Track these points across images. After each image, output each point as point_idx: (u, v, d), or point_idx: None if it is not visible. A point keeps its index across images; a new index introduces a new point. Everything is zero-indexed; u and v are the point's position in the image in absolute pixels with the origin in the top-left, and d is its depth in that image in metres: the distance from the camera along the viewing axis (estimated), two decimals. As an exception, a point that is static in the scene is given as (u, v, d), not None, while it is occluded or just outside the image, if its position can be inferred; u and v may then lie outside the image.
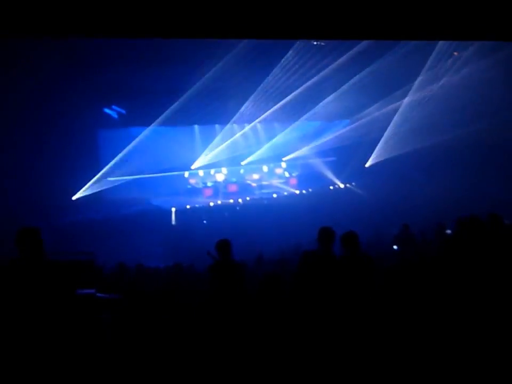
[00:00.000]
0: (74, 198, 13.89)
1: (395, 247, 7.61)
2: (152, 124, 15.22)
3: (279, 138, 17.53)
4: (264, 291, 3.66)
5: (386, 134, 16.40)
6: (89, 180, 14.20)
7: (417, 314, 3.71)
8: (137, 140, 15.24)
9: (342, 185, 17.22)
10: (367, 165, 17.28)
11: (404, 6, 3.46)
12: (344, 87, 15.03)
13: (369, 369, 3.20)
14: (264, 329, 3.45)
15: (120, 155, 14.86)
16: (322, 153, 17.92)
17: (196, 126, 16.72)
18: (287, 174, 18.13)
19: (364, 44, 12.43)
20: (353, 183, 17.07)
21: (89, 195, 14.13)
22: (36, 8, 2.60)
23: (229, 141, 16.47)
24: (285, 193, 16.51)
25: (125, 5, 2.74)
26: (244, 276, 4.35)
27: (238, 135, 16.69)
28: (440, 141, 14.70)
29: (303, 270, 3.97)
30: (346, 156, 17.26)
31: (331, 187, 17.19)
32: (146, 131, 15.38)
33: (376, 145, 16.82)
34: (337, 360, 3.30)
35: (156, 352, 3.53)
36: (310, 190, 16.80)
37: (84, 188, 14.06)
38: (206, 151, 16.48)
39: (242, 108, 15.82)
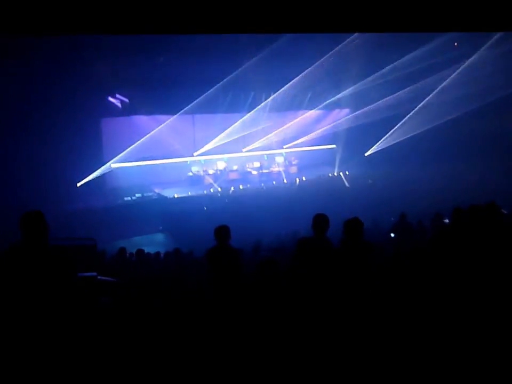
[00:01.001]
0: (79, 184, 14.00)
1: (392, 234, 7.67)
2: (155, 113, 15.27)
3: (280, 127, 17.55)
4: (260, 275, 3.71)
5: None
6: (94, 167, 14.32)
7: (413, 302, 3.75)
8: (140, 128, 15.30)
9: (341, 173, 17.22)
10: (367, 153, 17.30)
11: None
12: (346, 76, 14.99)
13: (365, 355, 3.24)
14: (261, 314, 3.51)
15: (123, 143, 14.93)
16: (322, 140, 17.94)
17: (198, 115, 16.73)
18: (287, 162, 18.17)
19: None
20: (347, 172, 17.04)
21: (93, 182, 14.23)
22: (34, 6, 2.62)
23: (229, 129, 16.48)
24: (285, 181, 16.53)
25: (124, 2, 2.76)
26: (240, 261, 4.39)
27: (238, 122, 16.70)
28: (440, 129, 14.71)
29: (298, 257, 4.02)
30: (346, 144, 17.26)
31: (330, 175, 17.22)
32: (149, 119, 15.43)
33: (379, 134, 16.81)
34: (333, 346, 3.35)
35: (154, 336, 3.58)
36: (310, 177, 16.83)
37: (88, 176, 14.17)
38: (208, 139, 16.51)
39: (244, 97, 15.84)
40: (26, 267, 2.85)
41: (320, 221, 3.98)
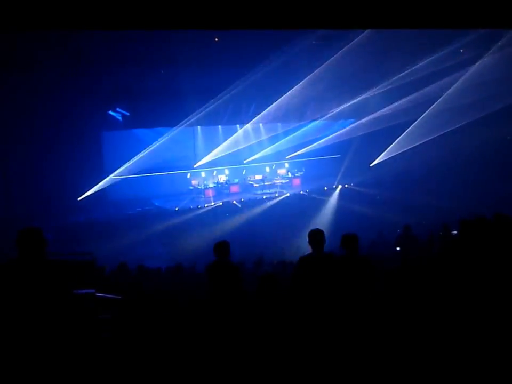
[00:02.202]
0: (79, 198, 13.98)
1: (398, 248, 7.56)
2: (156, 125, 15.32)
3: (282, 138, 17.54)
4: (261, 291, 3.66)
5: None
6: (95, 181, 14.33)
7: (418, 317, 3.68)
8: (141, 141, 15.34)
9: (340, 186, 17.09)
10: (372, 164, 17.18)
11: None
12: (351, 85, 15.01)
13: (365, 370, 3.17)
14: (260, 329, 3.45)
15: (124, 156, 14.97)
16: (326, 151, 17.89)
17: (199, 127, 16.75)
18: (290, 174, 18.05)
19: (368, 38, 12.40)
20: (351, 184, 16.94)
21: (94, 196, 14.22)
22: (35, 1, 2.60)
23: (229, 140, 16.46)
24: (288, 194, 16.41)
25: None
26: (240, 276, 4.34)
27: (240, 134, 16.69)
28: (446, 141, 14.67)
29: (298, 273, 3.98)
30: (351, 155, 17.21)
31: (334, 186, 17.12)
32: (150, 132, 15.47)
33: (384, 144, 16.75)
34: (332, 361, 3.28)
35: (155, 353, 3.52)
36: (313, 190, 16.73)
37: (89, 189, 14.17)
38: (209, 151, 16.50)
39: (244, 108, 15.88)
40: (22, 282, 2.86)
41: (316, 236, 3.94)
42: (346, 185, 16.92)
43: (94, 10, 2.74)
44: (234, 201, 15.27)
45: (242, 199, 15.51)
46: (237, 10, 2.99)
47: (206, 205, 14.95)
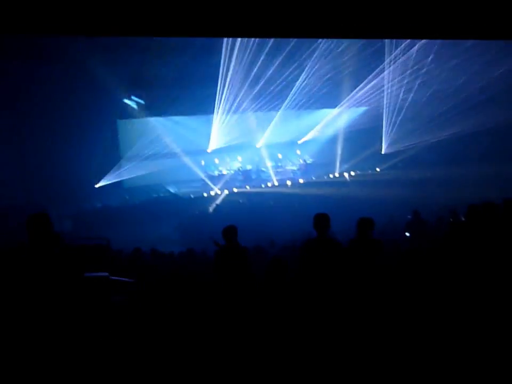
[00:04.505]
0: (97, 186, 14.23)
1: (407, 234, 7.56)
2: (171, 113, 15.42)
3: (293, 124, 17.46)
4: (270, 274, 3.74)
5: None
6: (111, 168, 14.58)
7: (426, 302, 3.70)
8: (156, 129, 15.47)
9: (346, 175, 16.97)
10: (384, 151, 17.04)
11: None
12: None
13: (374, 357, 3.21)
14: (269, 311, 3.52)
15: (140, 144, 15.16)
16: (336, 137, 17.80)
17: (213, 115, 16.76)
18: (301, 161, 18.00)
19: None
20: (357, 172, 16.77)
21: (111, 183, 14.48)
22: (39, 6, 2.68)
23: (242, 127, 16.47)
24: (300, 180, 16.42)
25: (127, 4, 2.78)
26: (247, 260, 4.44)
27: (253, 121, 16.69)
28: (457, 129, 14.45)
29: (303, 256, 4.05)
30: (362, 142, 17.08)
31: (346, 174, 17.05)
32: (165, 120, 15.58)
33: (392, 132, 16.60)
34: (339, 344, 3.34)
35: (167, 335, 3.61)
36: (328, 176, 16.67)
37: (106, 177, 14.40)
38: (220, 136, 16.53)
39: (258, 96, 15.85)
40: (30, 266, 2.91)
41: (320, 220, 4.01)
42: (354, 172, 16.85)
43: (101, 16, 2.80)
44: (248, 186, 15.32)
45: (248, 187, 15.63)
46: (240, 19, 3.03)
47: (219, 192, 15.09)
